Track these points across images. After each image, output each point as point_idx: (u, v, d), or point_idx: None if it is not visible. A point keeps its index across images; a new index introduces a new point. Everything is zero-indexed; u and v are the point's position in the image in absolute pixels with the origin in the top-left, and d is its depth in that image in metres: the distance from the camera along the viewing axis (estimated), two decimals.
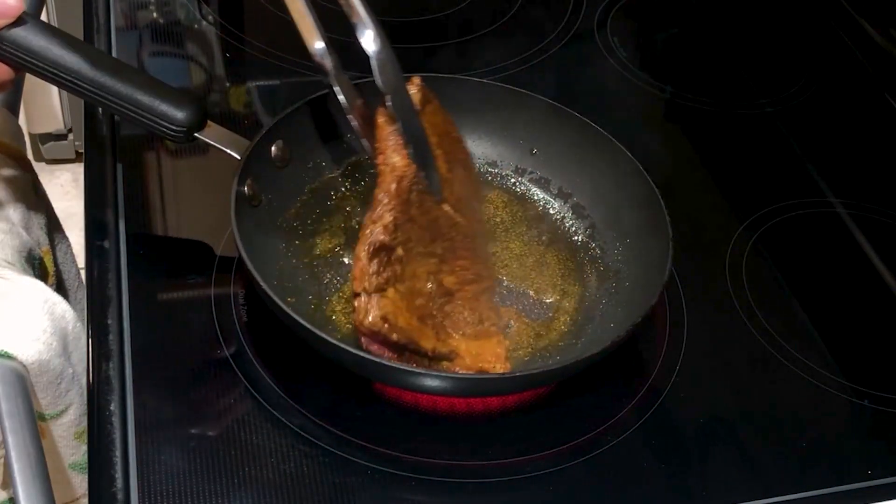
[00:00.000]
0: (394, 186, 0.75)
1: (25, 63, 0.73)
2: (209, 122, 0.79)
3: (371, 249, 0.72)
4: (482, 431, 0.75)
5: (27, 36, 0.72)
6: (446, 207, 0.80)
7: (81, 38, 1.02)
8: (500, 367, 0.76)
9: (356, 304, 0.72)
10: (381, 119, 0.78)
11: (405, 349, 0.73)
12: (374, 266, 0.72)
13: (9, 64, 0.73)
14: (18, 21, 0.71)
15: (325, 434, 0.72)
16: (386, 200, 0.75)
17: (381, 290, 0.72)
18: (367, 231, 0.73)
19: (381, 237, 0.73)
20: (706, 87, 1.09)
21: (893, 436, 0.79)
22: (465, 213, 0.82)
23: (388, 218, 0.74)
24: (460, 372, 0.74)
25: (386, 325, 0.71)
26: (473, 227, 0.83)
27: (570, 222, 0.88)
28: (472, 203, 0.85)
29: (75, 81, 0.74)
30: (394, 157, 0.76)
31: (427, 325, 0.75)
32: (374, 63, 0.77)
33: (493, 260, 0.84)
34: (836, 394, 0.81)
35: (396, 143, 0.77)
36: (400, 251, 0.74)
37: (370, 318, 0.71)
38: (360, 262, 0.72)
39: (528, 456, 0.73)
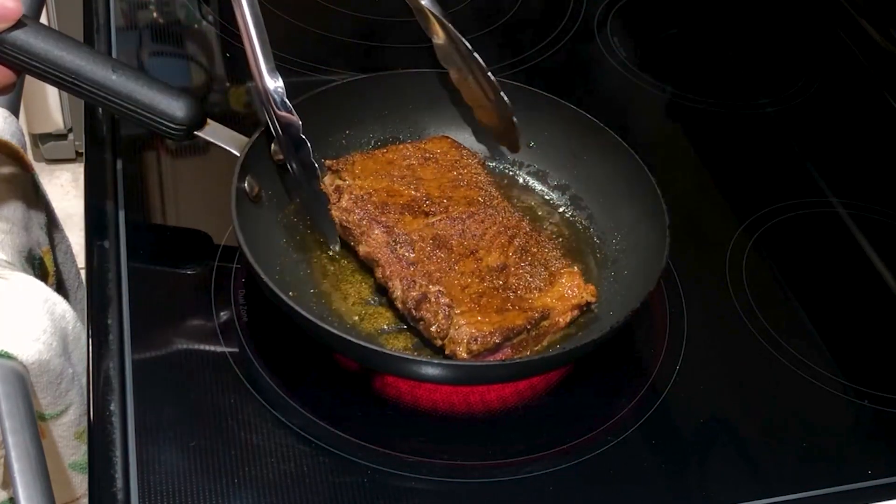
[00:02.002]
0: (381, 259, 0.79)
1: (26, 65, 0.73)
2: (208, 120, 0.79)
3: (414, 311, 0.76)
4: (482, 431, 0.75)
5: (27, 38, 0.72)
6: (433, 219, 0.81)
7: (81, 37, 1.02)
8: (587, 296, 0.78)
9: (447, 352, 0.74)
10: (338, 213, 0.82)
11: (511, 339, 0.75)
12: (428, 316, 0.75)
13: (9, 67, 0.73)
14: (18, 24, 0.72)
15: (325, 434, 0.72)
16: (386, 275, 0.78)
17: (450, 327, 0.74)
18: (401, 305, 0.77)
19: (411, 297, 0.76)
20: (706, 87, 1.09)
21: (893, 436, 0.79)
22: (454, 194, 0.84)
23: (399, 285, 0.77)
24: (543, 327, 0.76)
25: (477, 344, 0.73)
26: (470, 197, 0.84)
27: (569, 213, 0.89)
28: (457, 176, 0.86)
29: (75, 82, 0.75)
30: (367, 240, 0.80)
31: (507, 310, 0.76)
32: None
33: (508, 204, 0.85)
34: (836, 394, 0.81)
35: (365, 227, 0.81)
36: (434, 288, 0.76)
37: (462, 353, 0.73)
38: (423, 325, 0.76)
39: (528, 456, 0.73)
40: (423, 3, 0.87)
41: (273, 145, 0.83)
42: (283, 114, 0.78)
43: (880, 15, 1.18)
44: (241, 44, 0.77)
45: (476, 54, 0.86)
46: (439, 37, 0.88)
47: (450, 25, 0.87)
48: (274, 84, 0.78)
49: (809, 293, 0.89)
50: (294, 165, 0.81)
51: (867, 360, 0.84)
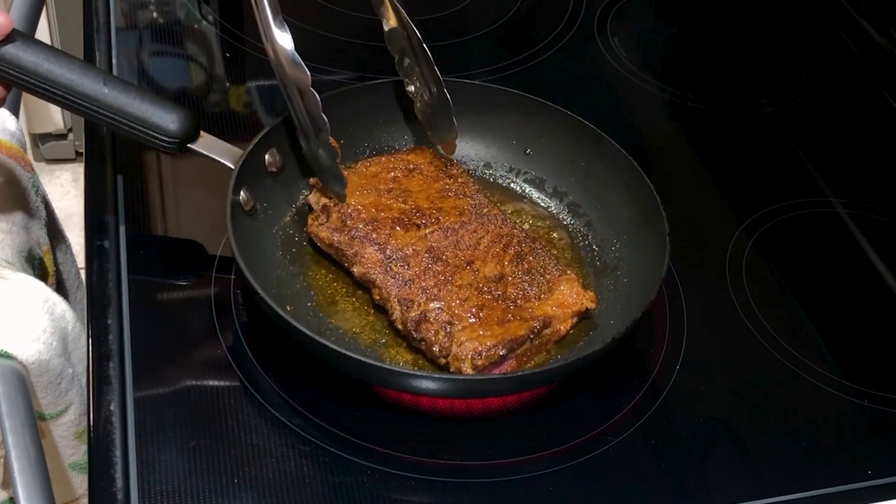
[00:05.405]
0: (377, 280, 0.78)
1: (16, 79, 0.73)
2: (202, 132, 0.79)
3: (415, 333, 0.75)
4: (482, 431, 0.75)
5: (17, 53, 0.72)
6: (425, 231, 0.80)
7: (81, 38, 1.02)
8: (586, 302, 0.78)
9: (452, 369, 0.74)
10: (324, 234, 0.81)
11: (515, 350, 0.75)
12: (429, 336, 0.75)
13: (0, 81, 0.74)
14: (8, 38, 0.72)
15: (325, 434, 0.72)
16: (384, 297, 0.78)
17: (452, 345, 0.74)
18: (401, 326, 0.77)
19: (410, 318, 0.75)
20: (706, 87, 1.09)
21: (893, 436, 0.79)
22: (443, 204, 0.83)
23: (397, 307, 0.76)
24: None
25: (482, 358, 0.73)
26: (461, 207, 0.83)
27: (567, 221, 0.88)
28: (444, 187, 0.85)
29: (66, 96, 0.75)
30: (361, 260, 0.79)
31: (508, 321, 0.76)
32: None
33: (499, 212, 0.84)
34: (836, 394, 0.81)
35: (357, 249, 0.80)
36: (433, 305, 0.76)
37: (467, 368, 0.73)
38: (424, 345, 0.75)
39: (528, 456, 0.73)
40: None
41: (268, 156, 0.83)
42: (293, 69, 0.78)
43: (880, 15, 1.18)
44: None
45: (425, 45, 0.85)
46: (391, 20, 0.86)
47: (402, 10, 0.85)
48: (283, 37, 0.77)
49: (809, 293, 0.89)
50: (302, 118, 0.80)
51: (867, 360, 0.84)
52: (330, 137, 0.80)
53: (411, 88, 0.88)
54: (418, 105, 0.89)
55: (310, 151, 0.82)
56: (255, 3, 0.77)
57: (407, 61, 0.87)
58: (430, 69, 0.86)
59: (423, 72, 0.87)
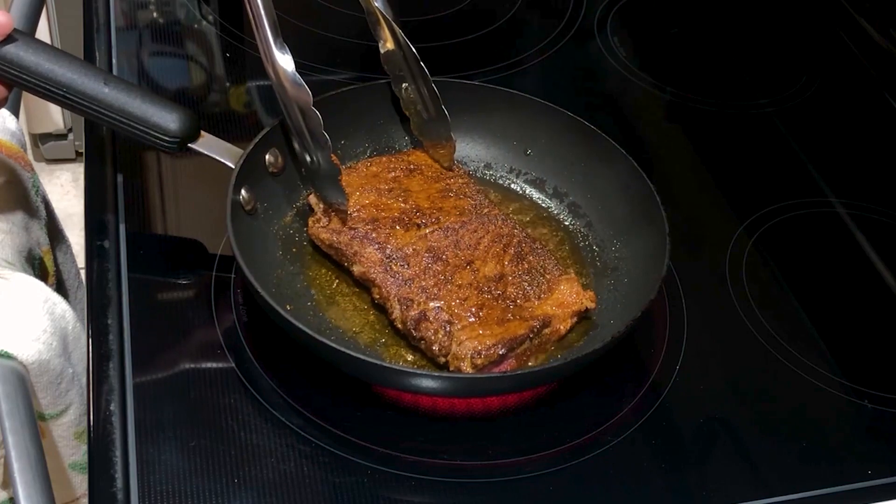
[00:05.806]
0: (377, 279, 0.78)
1: (17, 79, 0.73)
2: (202, 132, 0.79)
3: (414, 332, 0.75)
4: (482, 431, 0.75)
5: (18, 52, 0.73)
6: (426, 231, 0.81)
7: (81, 38, 1.02)
8: (586, 302, 0.78)
9: (451, 368, 0.74)
10: (325, 235, 0.81)
11: (514, 349, 0.75)
12: (429, 335, 0.75)
13: (1, 81, 0.74)
14: (9, 38, 0.72)
15: (324, 434, 0.72)
16: (384, 296, 0.78)
17: (451, 344, 0.74)
18: (400, 325, 0.76)
19: (410, 317, 0.75)
20: (706, 87, 1.09)
21: (893, 436, 0.79)
22: (444, 204, 0.83)
23: (396, 306, 0.76)
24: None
25: (481, 357, 0.73)
26: (461, 207, 0.83)
27: (567, 221, 0.88)
28: (445, 187, 0.86)
29: (67, 95, 0.75)
30: (361, 259, 0.79)
31: (508, 320, 0.76)
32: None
33: (500, 212, 0.85)
34: (836, 394, 0.81)
35: (357, 248, 0.80)
36: (432, 304, 0.75)
37: (467, 367, 0.73)
38: (424, 344, 0.75)
39: (528, 456, 0.73)
40: (375, 4, 0.86)
41: (268, 156, 0.83)
42: (294, 89, 0.78)
43: (880, 15, 1.18)
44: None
45: (422, 63, 0.85)
46: (388, 42, 0.87)
47: (399, 30, 0.85)
48: (283, 59, 0.78)
49: (809, 293, 0.89)
50: (303, 137, 0.80)
51: (867, 360, 0.84)
52: (332, 155, 0.80)
53: (406, 100, 0.88)
54: (415, 121, 0.89)
55: (310, 170, 0.82)
56: (256, 25, 0.78)
57: (404, 81, 0.88)
58: (428, 87, 0.86)
59: (420, 90, 0.87)
